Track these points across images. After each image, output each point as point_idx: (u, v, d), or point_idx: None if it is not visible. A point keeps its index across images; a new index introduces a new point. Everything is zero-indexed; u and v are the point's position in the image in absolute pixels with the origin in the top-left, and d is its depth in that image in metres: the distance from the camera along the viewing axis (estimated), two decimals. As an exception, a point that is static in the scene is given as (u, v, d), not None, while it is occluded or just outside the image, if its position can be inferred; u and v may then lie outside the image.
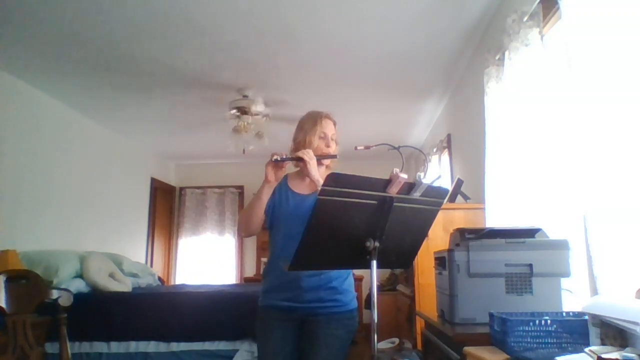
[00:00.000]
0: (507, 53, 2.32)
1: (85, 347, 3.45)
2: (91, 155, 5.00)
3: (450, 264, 1.82)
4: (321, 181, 1.69)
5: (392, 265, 1.81)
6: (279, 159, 1.71)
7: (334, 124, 1.91)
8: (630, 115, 1.39)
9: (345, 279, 1.82)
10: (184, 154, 6.82)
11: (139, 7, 2.79)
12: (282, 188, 1.86)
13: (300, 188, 1.86)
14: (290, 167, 1.84)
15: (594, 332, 1.36)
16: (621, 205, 1.41)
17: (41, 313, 2.89)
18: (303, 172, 1.77)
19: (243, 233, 1.87)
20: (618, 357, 1.12)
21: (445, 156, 4.56)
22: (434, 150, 4.90)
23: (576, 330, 1.40)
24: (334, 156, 1.84)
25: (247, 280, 6.55)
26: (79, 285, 3.76)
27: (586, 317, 1.40)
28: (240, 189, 7.18)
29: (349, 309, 1.80)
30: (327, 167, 1.89)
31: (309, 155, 1.72)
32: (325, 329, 1.73)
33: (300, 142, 1.85)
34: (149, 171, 6.48)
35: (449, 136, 4.39)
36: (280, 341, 1.75)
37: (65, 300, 2.78)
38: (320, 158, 1.78)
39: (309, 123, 1.87)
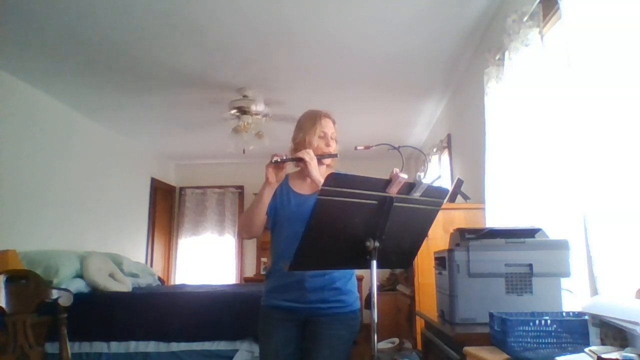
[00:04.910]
0: (507, 53, 2.32)
1: (85, 347, 3.45)
2: (91, 155, 4.99)
3: (450, 264, 1.82)
4: (322, 181, 1.69)
5: (392, 265, 1.80)
6: (279, 160, 1.69)
7: (333, 122, 1.90)
8: (630, 116, 1.39)
9: (349, 280, 1.82)
10: (184, 154, 6.82)
11: (139, 7, 2.79)
12: (284, 189, 1.85)
13: (302, 188, 1.85)
14: (291, 167, 1.83)
15: (594, 332, 1.36)
16: (621, 206, 1.41)
17: (41, 313, 2.88)
18: (304, 172, 1.76)
19: (245, 235, 1.86)
20: (618, 357, 1.13)
21: (445, 156, 4.56)
22: (434, 150, 4.90)
23: (576, 330, 1.40)
24: (334, 155, 1.83)
25: (247, 280, 6.55)
26: (79, 285, 3.76)
27: (586, 317, 1.40)
28: (240, 189, 7.18)
29: (352, 310, 1.80)
30: (327, 166, 1.89)
31: (309, 156, 1.70)
32: (329, 329, 1.73)
33: (300, 142, 1.84)
34: (149, 171, 6.47)
35: (449, 136, 4.39)
36: (282, 341, 1.75)
37: (65, 300, 2.78)
38: (320, 157, 1.77)
39: (308, 123, 1.86)
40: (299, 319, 1.77)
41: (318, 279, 1.73)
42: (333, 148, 1.86)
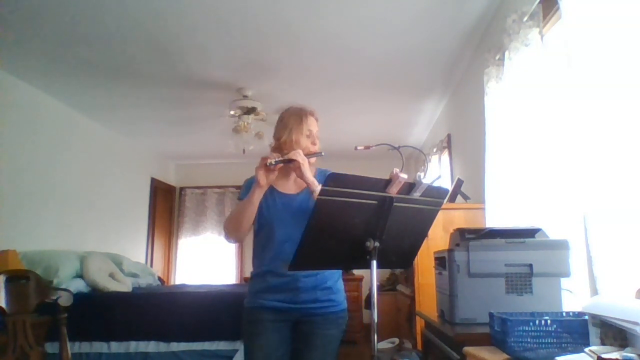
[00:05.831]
0: (507, 53, 2.32)
1: (85, 347, 3.45)
2: (91, 155, 5.00)
3: (450, 264, 1.83)
4: (316, 183, 1.68)
5: (392, 265, 1.80)
6: (273, 162, 1.66)
7: (317, 120, 1.88)
8: (630, 116, 1.39)
9: (337, 279, 1.83)
10: (184, 154, 6.82)
11: (139, 7, 2.79)
12: (267, 189, 1.79)
13: (286, 187, 1.83)
14: None
15: (594, 332, 1.36)
16: (621, 206, 1.41)
17: (41, 313, 2.89)
18: (295, 173, 1.73)
19: (233, 240, 1.84)
20: (618, 357, 1.13)
21: (445, 156, 4.56)
22: (434, 150, 4.90)
23: (576, 330, 1.40)
24: (320, 154, 1.80)
25: (247, 280, 6.54)
26: (79, 285, 3.76)
27: (586, 317, 1.40)
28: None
29: (341, 309, 1.80)
30: (312, 164, 1.87)
31: (302, 157, 1.68)
32: (321, 329, 1.73)
33: (285, 141, 1.81)
34: (149, 171, 6.47)
35: (449, 136, 4.39)
36: (274, 343, 1.73)
37: (65, 300, 2.78)
38: (308, 157, 1.74)
39: (294, 121, 1.82)
40: (290, 320, 1.76)
41: (311, 278, 1.72)
42: (318, 146, 1.84)
